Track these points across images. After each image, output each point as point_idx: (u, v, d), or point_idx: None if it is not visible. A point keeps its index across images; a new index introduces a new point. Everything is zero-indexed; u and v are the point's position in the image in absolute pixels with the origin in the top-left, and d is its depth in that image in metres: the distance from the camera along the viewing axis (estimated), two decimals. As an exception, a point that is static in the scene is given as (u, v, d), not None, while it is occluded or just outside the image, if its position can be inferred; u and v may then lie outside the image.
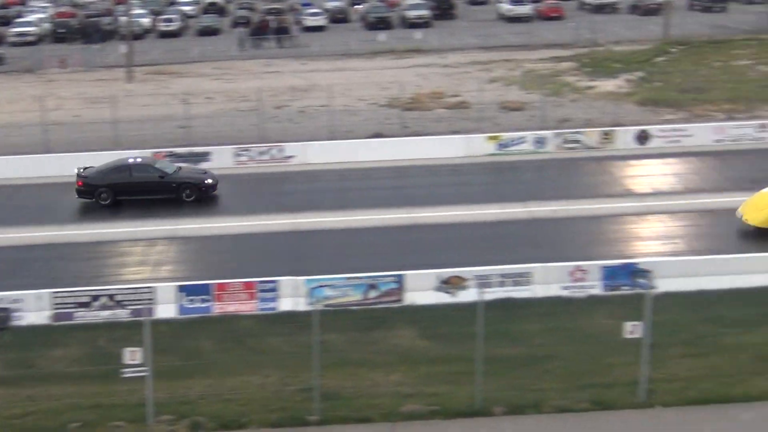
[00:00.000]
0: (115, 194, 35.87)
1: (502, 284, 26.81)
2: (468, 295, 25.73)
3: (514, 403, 20.68)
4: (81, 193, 36.06)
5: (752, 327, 23.91)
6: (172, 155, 40.02)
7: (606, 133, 42.16)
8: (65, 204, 36.18)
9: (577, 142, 41.81)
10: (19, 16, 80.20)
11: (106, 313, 26.25)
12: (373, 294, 26.87)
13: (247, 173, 40.23)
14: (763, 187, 32.06)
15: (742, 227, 31.09)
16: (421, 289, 26.78)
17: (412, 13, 76.55)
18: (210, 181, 36.81)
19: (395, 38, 69.36)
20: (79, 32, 74.29)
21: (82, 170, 36.30)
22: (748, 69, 55.95)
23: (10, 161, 40.41)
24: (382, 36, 69.77)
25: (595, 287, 26.92)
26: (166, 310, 26.41)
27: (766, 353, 22.66)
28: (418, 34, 70.20)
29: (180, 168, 37.27)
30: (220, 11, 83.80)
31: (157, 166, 36.81)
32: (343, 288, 26.72)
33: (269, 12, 77.98)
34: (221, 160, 40.33)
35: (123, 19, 67.45)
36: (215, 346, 24.60)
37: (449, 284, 26.86)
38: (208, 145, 41.62)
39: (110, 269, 30.57)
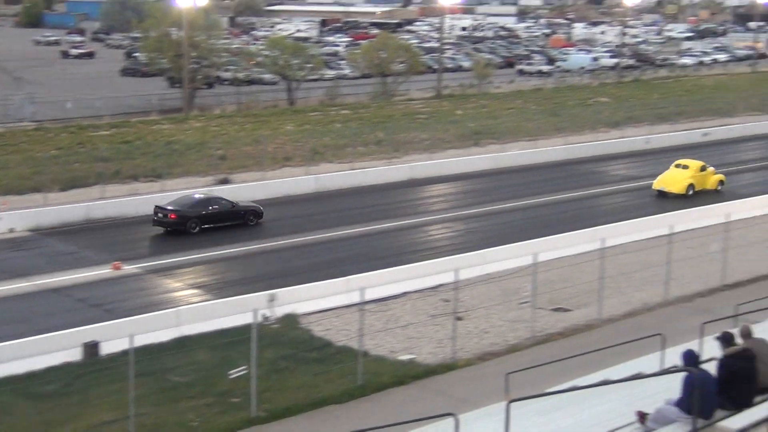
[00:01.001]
0: (202, 223, 41.14)
1: None
2: None
3: None
4: (172, 224, 41.12)
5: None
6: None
7: None
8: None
9: None
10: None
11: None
12: None
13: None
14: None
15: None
16: None
17: None
18: (261, 208, 43.21)
19: None
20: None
21: (166, 206, 41.39)
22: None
23: None
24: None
25: None
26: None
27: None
28: None
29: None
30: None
31: (222, 198, 42.98)
32: None
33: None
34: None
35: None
36: None
37: None
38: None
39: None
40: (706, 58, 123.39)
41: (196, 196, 43.25)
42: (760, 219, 39.76)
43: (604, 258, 31.44)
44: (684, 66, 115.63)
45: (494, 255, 35.99)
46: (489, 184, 53.27)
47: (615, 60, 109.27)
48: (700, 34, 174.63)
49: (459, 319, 28.95)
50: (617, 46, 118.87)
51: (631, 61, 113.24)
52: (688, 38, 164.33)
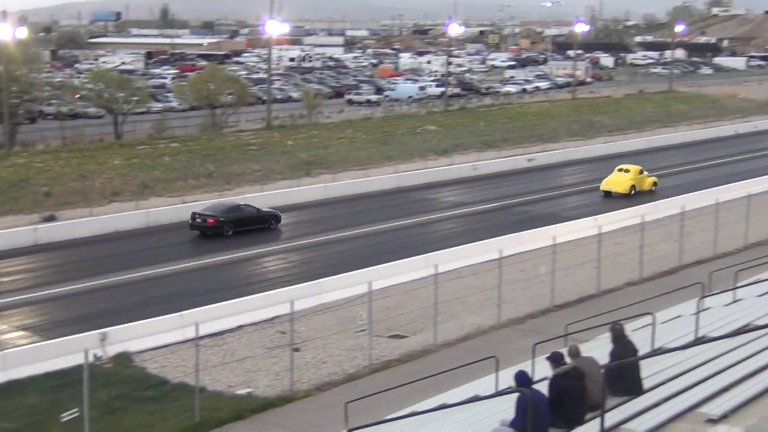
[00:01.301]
0: (234, 227, 46.76)
1: None
2: None
3: None
4: (210, 228, 46.67)
5: None
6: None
7: None
8: None
9: None
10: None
11: None
12: None
13: None
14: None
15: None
16: None
17: None
18: (280, 213, 49.75)
19: None
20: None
21: (209, 210, 47.56)
22: None
23: None
24: None
25: None
26: None
27: None
28: None
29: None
30: None
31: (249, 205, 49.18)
32: None
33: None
34: None
35: None
36: None
37: None
38: None
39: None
40: (529, 86, 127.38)
41: (228, 202, 49.60)
42: (586, 240, 41.07)
43: (438, 284, 31.96)
44: (508, 94, 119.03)
45: (330, 284, 36.06)
46: (322, 214, 53.46)
47: (441, 89, 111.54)
48: (522, 63, 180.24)
49: (296, 350, 28.85)
50: (443, 75, 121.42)
51: (457, 90, 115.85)
52: (511, 67, 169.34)
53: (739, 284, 29.27)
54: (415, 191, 59.85)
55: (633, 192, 57.55)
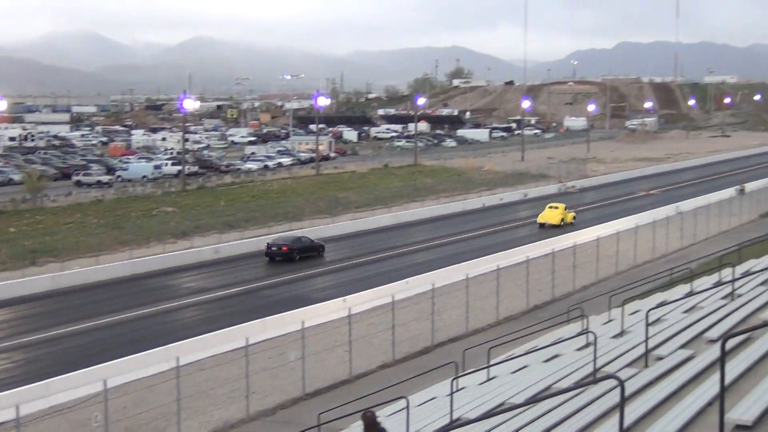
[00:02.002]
0: (300, 254, 63.55)
1: None
2: None
3: None
4: (283, 254, 63.33)
5: None
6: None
7: None
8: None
9: None
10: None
11: None
12: None
13: None
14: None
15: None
16: None
17: None
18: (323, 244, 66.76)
19: None
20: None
21: (280, 241, 64.84)
22: None
23: None
24: None
25: None
26: None
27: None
28: None
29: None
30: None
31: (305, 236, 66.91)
32: None
33: None
34: None
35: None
36: None
37: None
38: None
39: None
40: (271, 163, 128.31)
41: (290, 235, 67.76)
42: (337, 322, 41.44)
43: (181, 377, 31.30)
44: (249, 171, 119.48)
45: (60, 384, 34.61)
46: (50, 307, 51.50)
47: (178, 167, 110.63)
48: (263, 138, 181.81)
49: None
50: (179, 152, 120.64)
51: (195, 168, 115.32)
52: (252, 142, 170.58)
53: (492, 362, 30.23)
54: (152, 278, 58.75)
55: (562, 223, 76.06)
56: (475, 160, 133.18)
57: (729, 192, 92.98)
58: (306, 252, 64.21)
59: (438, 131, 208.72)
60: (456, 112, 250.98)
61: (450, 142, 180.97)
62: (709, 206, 76.78)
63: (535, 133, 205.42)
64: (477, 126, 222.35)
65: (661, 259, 63.62)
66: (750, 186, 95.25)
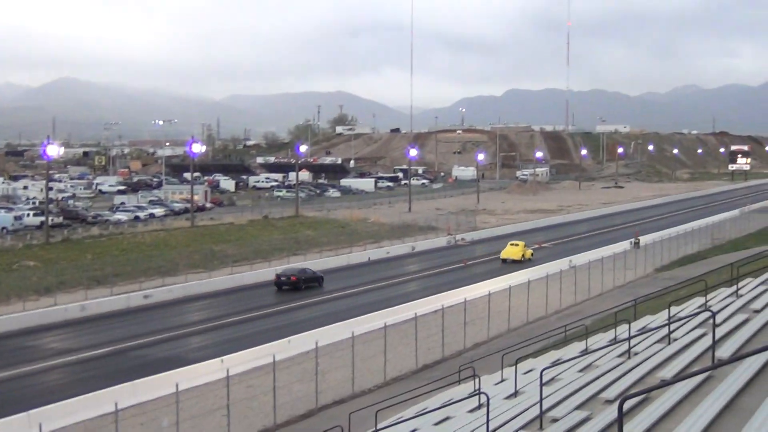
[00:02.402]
0: (305, 283, 75.63)
1: None
2: None
3: None
4: (291, 284, 75.11)
5: None
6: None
7: None
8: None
9: None
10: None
11: None
12: None
13: None
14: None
15: None
16: None
17: None
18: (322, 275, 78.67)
19: None
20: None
21: (288, 271, 77.07)
22: None
23: None
24: None
25: None
26: None
27: None
28: None
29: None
30: None
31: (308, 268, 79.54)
32: None
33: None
34: None
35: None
36: None
37: None
38: None
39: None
40: (142, 213, 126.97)
41: (296, 267, 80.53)
42: (214, 385, 41.08)
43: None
44: (119, 222, 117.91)
45: None
46: None
47: (41, 218, 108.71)
48: (134, 187, 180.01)
49: None
50: (42, 202, 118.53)
51: (60, 219, 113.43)
52: (121, 192, 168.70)
53: (380, 425, 30.24)
54: (12, 338, 57.42)
55: (523, 258, 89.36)
56: (360, 212, 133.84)
57: (623, 245, 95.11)
58: (309, 282, 76.46)
59: (321, 181, 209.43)
60: (339, 161, 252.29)
61: (333, 192, 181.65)
62: (603, 260, 78.40)
63: (423, 183, 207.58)
64: (362, 175, 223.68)
65: (555, 315, 64.64)
66: (645, 239, 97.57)
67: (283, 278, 75.37)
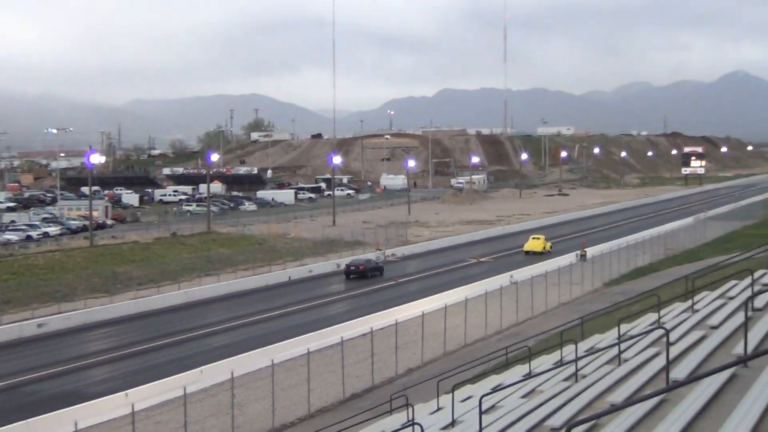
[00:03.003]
0: (371, 272, 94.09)
1: None
2: None
3: None
4: (360, 273, 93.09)
5: None
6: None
7: None
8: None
9: None
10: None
11: None
12: None
13: None
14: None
15: None
16: None
17: None
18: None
19: None
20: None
21: (356, 261, 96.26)
22: None
23: None
24: None
25: None
26: None
27: None
28: None
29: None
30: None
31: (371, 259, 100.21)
32: None
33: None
34: None
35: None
36: None
37: None
38: None
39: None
40: (35, 233, 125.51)
41: (362, 258, 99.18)
42: (117, 422, 40.69)
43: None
44: (8, 243, 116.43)
45: None
46: None
47: None
48: (25, 204, 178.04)
49: None
50: None
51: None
52: (11, 209, 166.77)
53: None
54: None
55: (544, 251, 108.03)
56: (279, 226, 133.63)
57: (569, 258, 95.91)
58: (374, 270, 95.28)
59: (235, 193, 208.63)
60: (255, 171, 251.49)
61: (249, 206, 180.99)
62: (548, 274, 78.90)
63: (348, 194, 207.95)
64: (280, 186, 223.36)
65: (495, 336, 64.97)
66: (592, 251, 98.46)
67: (352, 267, 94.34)
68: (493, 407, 28.76)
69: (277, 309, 77.24)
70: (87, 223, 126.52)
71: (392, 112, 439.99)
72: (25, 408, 47.53)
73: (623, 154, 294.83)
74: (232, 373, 45.47)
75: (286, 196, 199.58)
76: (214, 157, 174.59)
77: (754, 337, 22.66)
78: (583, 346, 36.35)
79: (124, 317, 73.79)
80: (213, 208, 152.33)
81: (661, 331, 27.21)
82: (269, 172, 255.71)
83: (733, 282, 37.06)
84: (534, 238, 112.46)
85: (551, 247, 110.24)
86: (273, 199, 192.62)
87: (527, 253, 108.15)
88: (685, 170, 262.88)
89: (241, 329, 69.59)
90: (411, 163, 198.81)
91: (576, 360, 29.56)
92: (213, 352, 60.36)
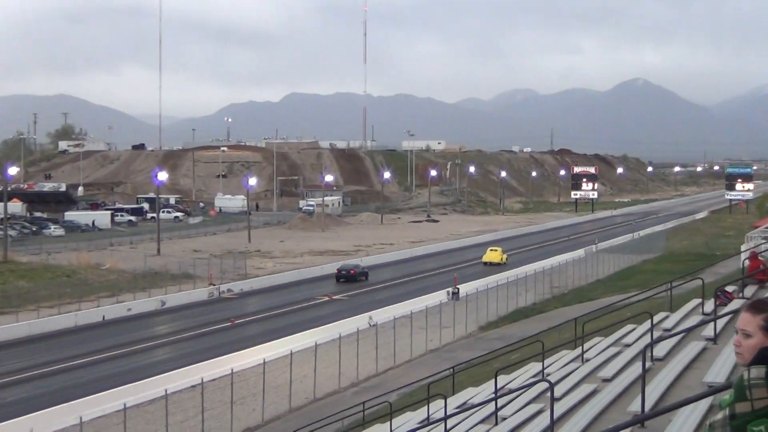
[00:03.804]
0: (360, 276, 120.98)
1: None
2: None
3: None
4: (350, 277, 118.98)
5: None
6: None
7: None
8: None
9: None
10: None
11: None
12: None
13: None
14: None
15: None
16: None
17: None
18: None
19: None
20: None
21: (347, 266, 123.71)
22: None
23: None
24: None
25: None
26: None
27: None
28: None
29: None
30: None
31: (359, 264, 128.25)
32: None
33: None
34: None
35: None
36: None
37: None
38: None
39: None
40: None
41: (351, 263, 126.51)
42: None
43: None
44: None
45: None
46: None
47: None
48: None
49: None
50: None
51: None
52: None
53: None
54: None
55: (502, 262, 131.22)
56: (91, 255, 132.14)
57: (439, 296, 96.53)
58: (362, 276, 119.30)
59: (38, 214, 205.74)
60: (64, 187, 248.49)
61: (56, 230, 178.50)
62: (413, 315, 79.41)
63: (176, 217, 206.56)
64: (94, 206, 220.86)
65: (351, 388, 65.11)
66: (465, 287, 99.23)
67: (343, 272, 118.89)
68: (346, 475, 28.74)
69: (87, 355, 76.27)
70: None
71: (230, 120, 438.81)
72: None
73: (503, 173, 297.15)
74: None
75: (101, 218, 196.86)
76: (13, 170, 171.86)
77: (653, 392, 22.94)
78: (455, 401, 36.60)
79: None
80: (11, 232, 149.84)
81: (545, 385, 27.44)
82: (80, 189, 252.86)
83: (629, 327, 37.51)
84: (492, 250, 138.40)
85: (507, 258, 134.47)
86: (92, 223, 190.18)
87: (486, 264, 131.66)
88: (575, 194, 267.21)
89: (42, 380, 68.62)
90: (252, 181, 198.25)
91: (445, 418, 29.71)
92: (5, 408, 59.36)
